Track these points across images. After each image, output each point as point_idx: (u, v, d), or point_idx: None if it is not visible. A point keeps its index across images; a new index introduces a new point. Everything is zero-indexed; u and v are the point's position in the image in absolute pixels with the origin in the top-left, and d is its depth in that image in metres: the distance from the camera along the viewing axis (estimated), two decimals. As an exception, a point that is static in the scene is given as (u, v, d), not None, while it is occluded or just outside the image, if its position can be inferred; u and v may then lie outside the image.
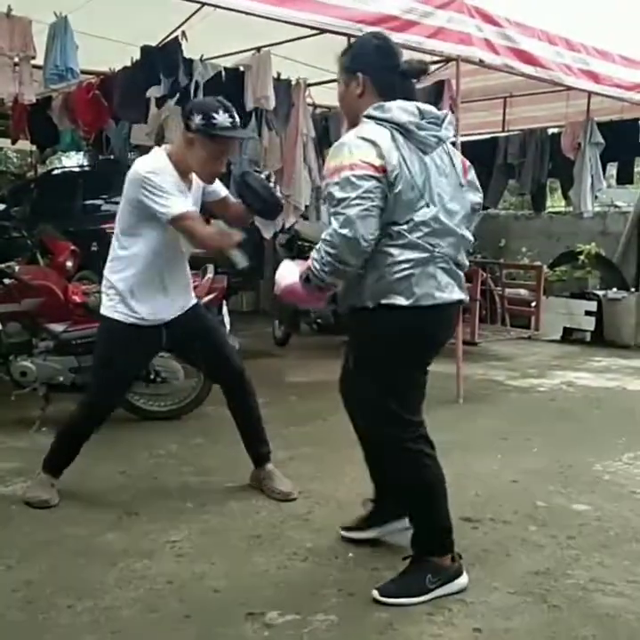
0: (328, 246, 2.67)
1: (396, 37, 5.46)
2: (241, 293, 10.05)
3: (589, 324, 8.74)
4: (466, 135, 7.84)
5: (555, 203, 12.68)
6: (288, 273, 2.96)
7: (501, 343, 8.37)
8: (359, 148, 2.67)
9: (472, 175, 3.03)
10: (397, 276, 2.75)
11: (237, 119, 3.55)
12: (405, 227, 2.74)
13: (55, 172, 12.18)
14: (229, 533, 3.47)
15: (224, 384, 4.03)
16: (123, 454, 4.49)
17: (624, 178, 9.57)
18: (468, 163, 3.03)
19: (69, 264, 7.35)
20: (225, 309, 5.43)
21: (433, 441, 3.00)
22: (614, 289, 8.97)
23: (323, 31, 5.30)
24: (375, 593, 2.87)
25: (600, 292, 8.84)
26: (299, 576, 3.09)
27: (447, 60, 6.32)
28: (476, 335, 7.62)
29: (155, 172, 3.44)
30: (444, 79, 7.23)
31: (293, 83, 6.99)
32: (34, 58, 5.79)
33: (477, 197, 3.06)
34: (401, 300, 2.76)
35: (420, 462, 2.95)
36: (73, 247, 7.45)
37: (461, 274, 2.93)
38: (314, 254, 2.75)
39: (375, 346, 2.86)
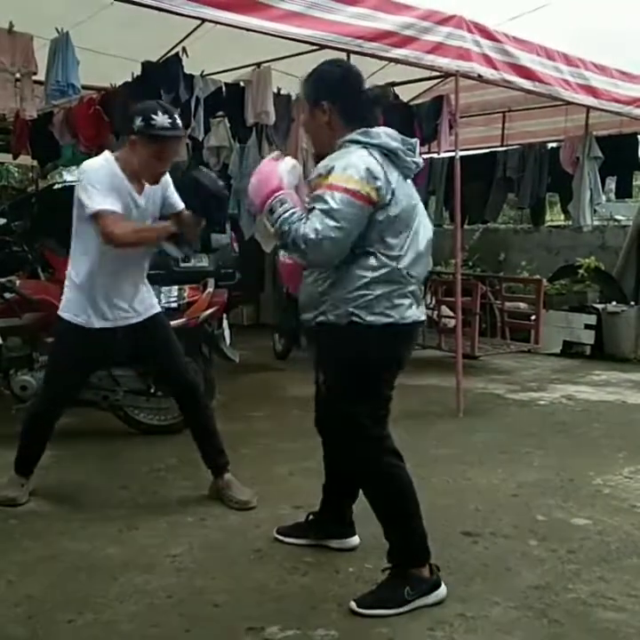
0: (305, 238, 2.75)
1: (395, 53, 5.54)
2: (242, 307, 10.06)
3: (589, 337, 8.74)
4: (465, 150, 7.88)
5: (554, 217, 12.71)
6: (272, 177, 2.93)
7: (501, 357, 8.38)
8: (352, 176, 2.76)
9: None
10: (374, 294, 2.86)
11: (178, 120, 3.62)
12: (387, 247, 2.86)
13: (56, 186, 12.18)
14: (229, 548, 3.47)
15: (175, 397, 4.13)
16: (123, 469, 4.49)
17: (623, 192, 9.61)
18: None
19: (70, 278, 7.35)
20: (225, 323, 5.44)
21: (401, 454, 3.08)
22: (614, 302, 8.98)
23: (323, 47, 5.33)
24: (353, 604, 2.89)
25: (599, 306, 8.85)
26: (299, 590, 3.08)
27: (446, 75, 6.36)
28: (475, 349, 7.63)
29: (92, 168, 3.60)
30: (442, 94, 7.29)
31: (293, 98, 7.03)
32: (35, 73, 5.83)
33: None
34: (376, 319, 2.85)
35: (395, 473, 3.02)
36: (74, 261, 7.45)
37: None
38: (300, 222, 2.78)
39: (354, 363, 2.93)
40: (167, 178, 3.83)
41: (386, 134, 2.92)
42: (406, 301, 2.92)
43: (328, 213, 2.73)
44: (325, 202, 2.74)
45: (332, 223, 2.72)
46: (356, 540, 3.44)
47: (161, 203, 3.81)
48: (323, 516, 3.49)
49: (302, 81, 3.11)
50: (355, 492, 3.37)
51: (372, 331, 2.87)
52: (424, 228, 3.00)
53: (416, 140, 3.04)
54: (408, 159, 2.93)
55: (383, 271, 2.86)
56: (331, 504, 3.47)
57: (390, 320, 2.87)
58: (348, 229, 2.76)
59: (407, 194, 2.93)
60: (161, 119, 3.51)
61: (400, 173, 2.91)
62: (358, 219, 2.78)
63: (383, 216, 2.83)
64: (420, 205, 3.04)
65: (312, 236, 2.73)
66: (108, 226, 3.48)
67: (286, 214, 2.83)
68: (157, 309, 3.98)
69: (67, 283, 3.82)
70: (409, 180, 3.00)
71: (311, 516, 3.52)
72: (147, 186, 3.72)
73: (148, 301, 3.90)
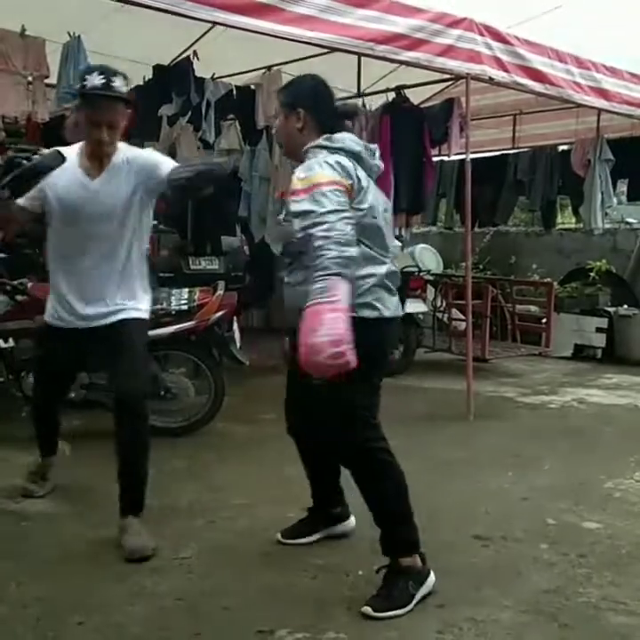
0: (329, 245, 2.62)
1: (406, 56, 5.53)
2: (252, 310, 10.06)
3: (600, 340, 8.71)
4: (475, 152, 7.87)
5: (565, 219, 12.67)
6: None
7: (512, 360, 8.35)
8: (325, 170, 2.82)
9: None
10: (366, 289, 2.92)
11: (116, 83, 3.28)
12: (371, 244, 2.95)
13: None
14: (239, 551, 3.47)
15: (113, 405, 3.58)
16: (133, 471, 4.48)
17: (634, 195, 9.57)
18: None
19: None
20: (235, 326, 5.44)
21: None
22: (625, 306, 8.95)
23: (333, 50, 5.33)
24: (368, 609, 2.88)
25: (611, 309, 8.82)
26: (308, 593, 3.08)
27: (457, 77, 6.34)
28: (486, 352, 7.62)
29: None
30: (453, 97, 7.28)
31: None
32: (47, 77, 5.86)
33: None
34: (369, 313, 2.92)
35: (388, 461, 3.04)
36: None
37: None
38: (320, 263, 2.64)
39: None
40: (135, 153, 3.49)
41: (349, 139, 3.03)
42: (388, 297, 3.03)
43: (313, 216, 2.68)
44: (302, 212, 2.70)
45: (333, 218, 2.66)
46: (353, 521, 3.55)
47: (135, 181, 3.41)
48: (317, 505, 3.55)
49: (280, 89, 3.27)
50: (336, 467, 3.41)
51: (370, 323, 2.94)
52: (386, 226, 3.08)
53: (375, 146, 3.16)
54: (371, 161, 3.05)
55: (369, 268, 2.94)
56: (319, 489, 3.54)
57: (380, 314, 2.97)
58: (349, 214, 2.72)
59: (376, 198, 3.02)
60: (93, 79, 3.22)
61: (368, 175, 3.01)
62: (344, 203, 2.75)
63: (355, 213, 2.83)
64: (389, 213, 3.14)
65: (319, 242, 2.63)
66: None
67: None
68: (128, 315, 3.54)
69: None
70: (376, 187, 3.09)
71: (308, 512, 3.57)
72: (110, 166, 3.42)
73: (112, 306, 3.52)
